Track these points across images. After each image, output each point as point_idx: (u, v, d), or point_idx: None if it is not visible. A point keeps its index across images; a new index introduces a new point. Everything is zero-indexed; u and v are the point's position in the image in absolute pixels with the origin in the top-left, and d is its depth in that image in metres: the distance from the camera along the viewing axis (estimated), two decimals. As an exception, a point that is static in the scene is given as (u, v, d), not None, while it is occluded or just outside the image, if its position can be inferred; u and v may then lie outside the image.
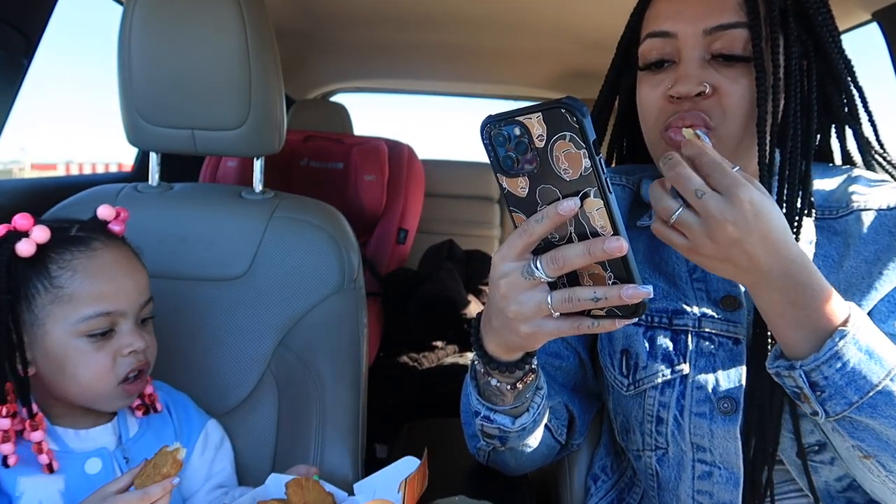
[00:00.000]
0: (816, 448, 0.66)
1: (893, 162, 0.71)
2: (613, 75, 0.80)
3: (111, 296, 0.68)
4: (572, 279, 0.52)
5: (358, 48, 2.22)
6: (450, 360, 1.92)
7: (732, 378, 0.68)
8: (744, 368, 0.68)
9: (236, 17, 0.87)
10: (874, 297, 0.64)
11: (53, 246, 0.67)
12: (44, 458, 0.66)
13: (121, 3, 1.37)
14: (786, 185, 0.65)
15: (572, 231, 0.49)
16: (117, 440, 0.74)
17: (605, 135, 0.85)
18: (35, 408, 0.67)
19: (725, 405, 0.67)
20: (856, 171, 0.72)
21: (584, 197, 0.47)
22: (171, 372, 0.87)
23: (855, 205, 0.68)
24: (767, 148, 0.63)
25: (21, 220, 0.67)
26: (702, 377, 0.69)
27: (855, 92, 0.68)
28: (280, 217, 0.96)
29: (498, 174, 0.51)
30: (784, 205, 0.64)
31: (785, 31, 0.64)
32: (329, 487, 0.75)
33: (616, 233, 0.47)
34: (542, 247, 0.51)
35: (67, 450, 0.70)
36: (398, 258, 2.16)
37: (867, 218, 0.67)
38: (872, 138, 0.70)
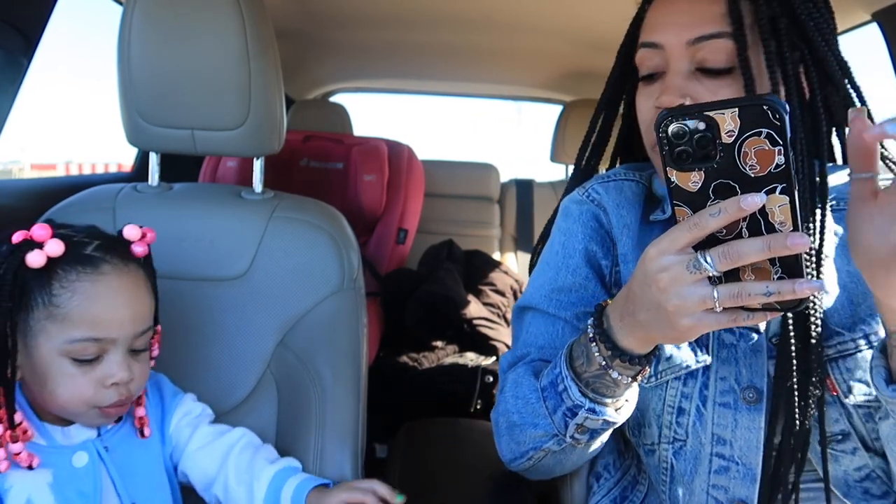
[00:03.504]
0: (840, 437, 0.68)
1: (893, 158, 0.71)
2: (612, 83, 0.81)
3: (104, 323, 0.67)
4: (730, 273, 0.51)
5: (358, 48, 2.22)
6: (450, 360, 1.91)
7: (755, 368, 0.69)
8: (765, 358, 0.69)
9: (236, 17, 0.87)
10: None
11: (63, 262, 0.66)
12: (23, 464, 0.67)
13: (120, 4, 1.37)
14: (801, 186, 0.65)
15: (744, 227, 0.49)
16: (97, 431, 0.75)
17: (607, 141, 0.86)
18: (19, 417, 0.66)
19: (750, 395, 0.69)
20: None
21: (769, 193, 0.47)
22: (170, 372, 0.87)
23: None
24: None
25: (39, 231, 0.66)
26: (725, 368, 0.70)
27: (852, 92, 0.69)
28: (280, 217, 0.96)
29: (668, 168, 0.50)
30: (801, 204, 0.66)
31: (777, 39, 0.65)
32: None
33: (796, 229, 0.48)
34: (705, 242, 0.50)
35: (56, 445, 0.71)
36: (398, 258, 2.16)
37: None
38: None
